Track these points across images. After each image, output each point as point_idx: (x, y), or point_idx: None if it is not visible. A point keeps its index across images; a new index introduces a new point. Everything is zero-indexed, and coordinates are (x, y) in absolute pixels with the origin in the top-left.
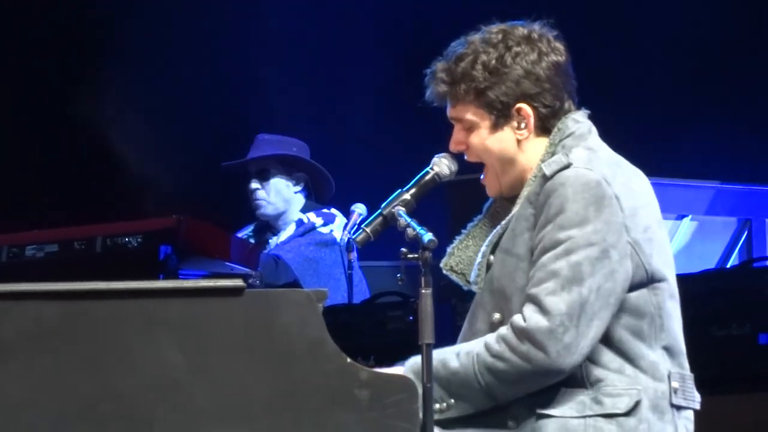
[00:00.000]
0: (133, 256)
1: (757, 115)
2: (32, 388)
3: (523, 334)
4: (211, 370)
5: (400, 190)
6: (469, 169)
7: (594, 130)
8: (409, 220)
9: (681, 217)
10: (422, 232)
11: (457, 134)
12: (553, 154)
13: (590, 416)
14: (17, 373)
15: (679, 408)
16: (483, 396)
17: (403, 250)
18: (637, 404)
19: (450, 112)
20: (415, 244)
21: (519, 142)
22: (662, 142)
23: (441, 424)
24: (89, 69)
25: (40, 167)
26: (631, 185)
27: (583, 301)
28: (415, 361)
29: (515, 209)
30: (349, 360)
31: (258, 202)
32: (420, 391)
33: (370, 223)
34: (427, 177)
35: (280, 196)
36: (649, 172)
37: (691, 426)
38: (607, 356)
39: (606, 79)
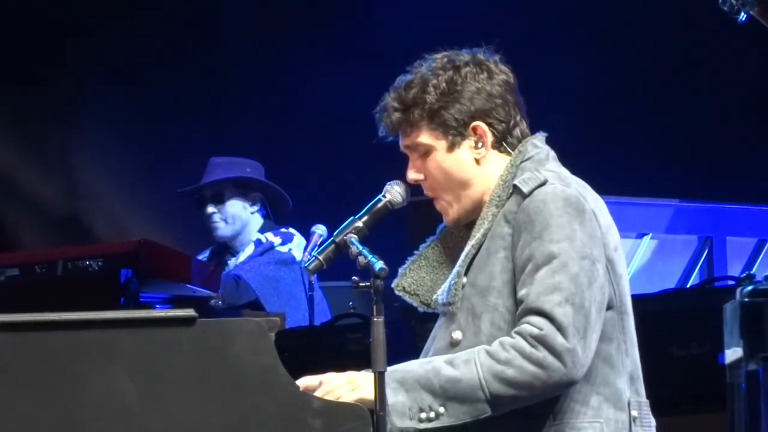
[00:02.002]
0: (94, 280)
1: (716, 133)
2: None
3: (538, 341)
4: (163, 399)
5: (352, 218)
6: None
7: (552, 155)
8: (360, 248)
9: (641, 235)
10: (374, 260)
11: (414, 163)
12: (513, 175)
13: None
14: None
15: None
16: (483, 405)
17: (355, 278)
18: None
19: (404, 141)
20: (367, 272)
21: (477, 161)
22: (621, 161)
23: None
24: (49, 90)
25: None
26: (599, 205)
27: (587, 314)
28: (393, 368)
29: (484, 227)
30: (301, 389)
31: (215, 225)
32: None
33: (322, 250)
34: (379, 204)
35: (237, 217)
36: (609, 191)
37: None
38: (575, 385)
39: (564, 98)
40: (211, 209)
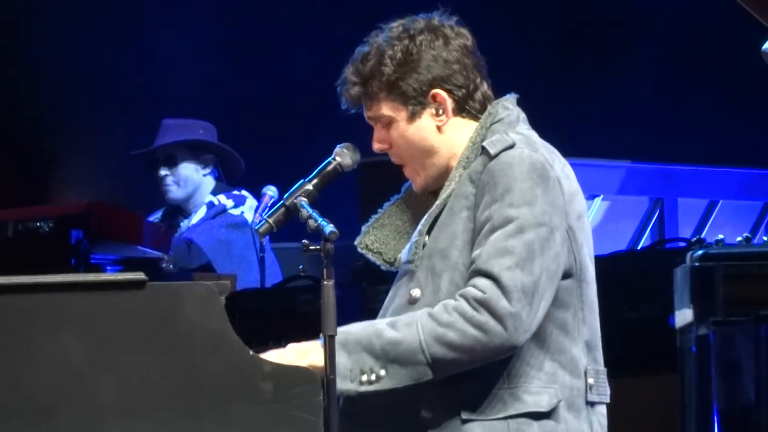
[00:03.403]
0: (45, 241)
1: (668, 93)
2: None
3: (481, 304)
4: (113, 363)
5: (302, 181)
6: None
7: (522, 117)
8: (310, 211)
9: (592, 197)
10: (324, 223)
11: (378, 133)
12: (483, 138)
13: (513, 416)
14: None
15: (593, 404)
16: (424, 368)
17: (305, 241)
18: (557, 403)
19: (366, 113)
20: (317, 235)
21: (439, 128)
22: (573, 122)
23: (351, 421)
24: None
25: None
26: (566, 171)
27: (536, 281)
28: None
29: (450, 187)
30: (251, 352)
31: (167, 188)
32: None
33: (272, 213)
34: (329, 167)
35: (189, 180)
36: (560, 152)
37: (604, 421)
38: (530, 349)
39: (515, 58)
40: (163, 172)
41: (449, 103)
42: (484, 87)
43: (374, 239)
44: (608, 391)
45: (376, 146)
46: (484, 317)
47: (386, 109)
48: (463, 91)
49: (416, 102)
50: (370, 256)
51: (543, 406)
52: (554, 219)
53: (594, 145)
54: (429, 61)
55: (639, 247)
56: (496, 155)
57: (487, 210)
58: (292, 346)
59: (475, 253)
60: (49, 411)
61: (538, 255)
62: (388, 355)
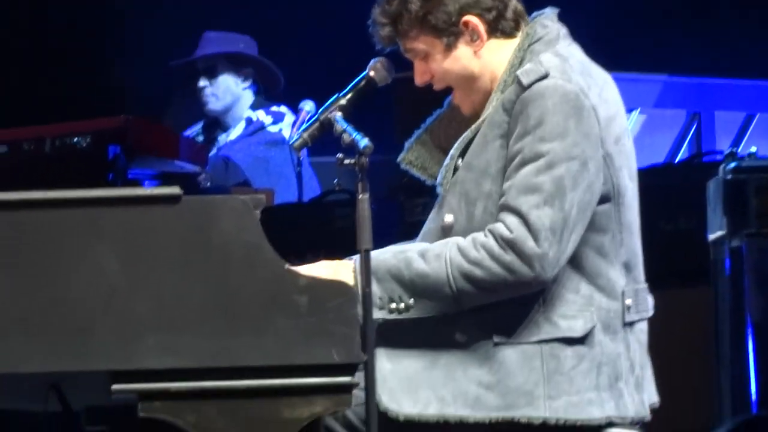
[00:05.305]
0: (83, 157)
1: (706, 6)
2: None
3: (508, 244)
4: (148, 277)
5: (336, 95)
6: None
7: (563, 32)
8: (345, 125)
9: (629, 110)
10: (358, 137)
11: (418, 66)
12: (521, 60)
13: (546, 341)
14: None
15: (632, 323)
16: (450, 301)
17: (339, 156)
18: (592, 328)
19: (403, 48)
20: (352, 149)
21: (476, 53)
22: (609, 35)
23: (385, 337)
24: None
25: None
26: (603, 95)
27: (566, 216)
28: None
29: (486, 113)
30: (287, 266)
31: (206, 99)
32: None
33: (307, 128)
34: (363, 82)
35: (228, 92)
36: (598, 65)
37: (643, 336)
38: (566, 273)
39: None
40: (202, 83)
41: (482, 27)
42: (514, 3)
43: (417, 155)
44: (650, 305)
45: (418, 79)
46: (510, 257)
47: (421, 44)
48: (494, 12)
49: (449, 33)
50: (414, 171)
51: (577, 331)
52: (588, 150)
53: (631, 57)
54: None
55: (676, 161)
56: (529, 86)
57: (520, 141)
58: (324, 263)
59: (506, 185)
60: (85, 325)
61: (568, 190)
62: (416, 287)
